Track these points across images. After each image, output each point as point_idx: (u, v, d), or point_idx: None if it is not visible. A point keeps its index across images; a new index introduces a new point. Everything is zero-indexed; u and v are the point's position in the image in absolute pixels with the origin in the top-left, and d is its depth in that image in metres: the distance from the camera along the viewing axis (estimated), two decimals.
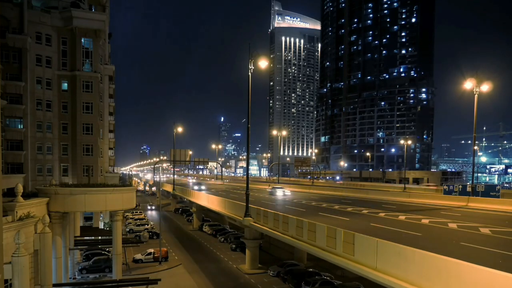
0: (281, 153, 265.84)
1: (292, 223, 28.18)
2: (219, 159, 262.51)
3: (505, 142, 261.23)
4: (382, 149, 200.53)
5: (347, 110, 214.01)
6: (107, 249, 43.01)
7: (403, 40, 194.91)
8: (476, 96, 43.44)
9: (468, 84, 43.23)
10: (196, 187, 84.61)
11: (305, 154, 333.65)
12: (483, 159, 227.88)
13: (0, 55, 44.78)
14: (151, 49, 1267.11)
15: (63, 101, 49.90)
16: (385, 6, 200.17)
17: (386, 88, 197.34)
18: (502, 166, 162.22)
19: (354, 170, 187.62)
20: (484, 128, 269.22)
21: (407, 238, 22.97)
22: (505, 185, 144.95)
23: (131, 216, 78.44)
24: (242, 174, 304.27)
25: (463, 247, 20.92)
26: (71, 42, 49.70)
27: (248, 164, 40.80)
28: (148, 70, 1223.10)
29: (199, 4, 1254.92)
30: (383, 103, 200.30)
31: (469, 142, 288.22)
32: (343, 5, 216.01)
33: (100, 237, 44.34)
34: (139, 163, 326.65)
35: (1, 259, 12.52)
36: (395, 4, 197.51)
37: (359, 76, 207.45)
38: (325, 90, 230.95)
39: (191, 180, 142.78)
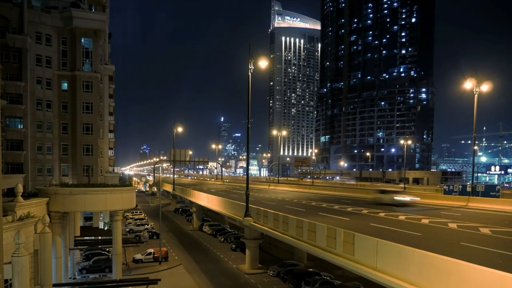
0: (281, 153, 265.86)
1: (292, 223, 28.17)
2: (219, 159, 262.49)
3: (505, 142, 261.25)
4: (382, 149, 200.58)
5: (347, 110, 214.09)
6: (107, 249, 43.03)
7: (403, 40, 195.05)
8: (476, 96, 43.42)
9: (468, 84, 43.19)
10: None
11: (305, 154, 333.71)
12: (483, 159, 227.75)
13: (0, 55, 44.78)
14: (151, 49, 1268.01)
15: (63, 101, 49.91)
16: (385, 6, 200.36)
17: (386, 88, 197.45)
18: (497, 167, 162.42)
19: (354, 170, 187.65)
20: (484, 128, 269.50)
21: (407, 238, 22.96)
22: (505, 185, 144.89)
23: (131, 216, 78.46)
24: (242, 174, 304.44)
25: (463, 247, 20.92)
26: (71, 42, 49.70)
27: (248, 164, 40.81)
28: (148, 70, 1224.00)
29: (199, 4, 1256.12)
30: (383, 103, 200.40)
31: (469, 142, 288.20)
32: (343, 5, 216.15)
33: (100, 237, 44.35)
34: (139, 163, 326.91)
35: (1, 259, 12.52)
36: (395, 4, 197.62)
37: (359, 76, 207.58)
38: (325, 90, 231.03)
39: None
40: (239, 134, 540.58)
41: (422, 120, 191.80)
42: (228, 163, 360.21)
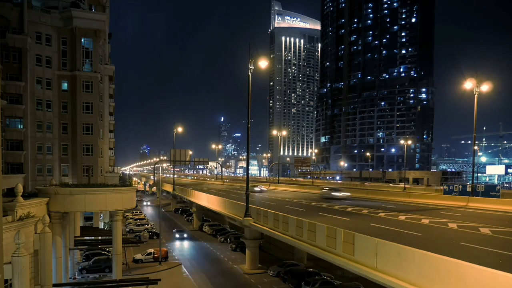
0: (281, 153, 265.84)
1: (292, 223, 28.17)
2: (219, 159, 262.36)
3: (505, 142, 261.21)
4: (382, 149, 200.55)
5: (347, 110, 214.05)
6: (107, 249, 43.02)
7: (403, 40, 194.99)
8: (476, 96, 43.43)
9: (468, 84, 43.20)
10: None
11: (305, 154, 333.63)
12: (483, 159, 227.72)
13: (0, 55, 44.77)
14: (151, 49, 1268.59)
15: (63, 101, 49.90)
16: (385, 6, 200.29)
17: (386, 88, 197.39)
18: (502, 167, 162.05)
19: (354, 170, 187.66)
20: (484, 128, 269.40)
21: (407, 238, 22.96)
22: (505, 185, 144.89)
23: (131, 216, 78.46)
24: (242, 174, 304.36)
25: (463, 247, 20.92)
26: (71, 42, 49.70)
27: (248, 164, 40.80)
28: (148, 70, 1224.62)
29: (199, 4, 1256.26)
30: (383, 103, 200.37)
31: (469, 142, 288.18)
32: (343, 5, 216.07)
33: (100, 237, 44.33)
34: (139, 163, 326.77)
35: (1, 259, 12.52)
36: (395, 4, 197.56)
37: (359, 76, 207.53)
38: (325, 90, 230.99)
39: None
40: (239, 134, 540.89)
41: (422, 120, 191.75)
42: (228, 163, 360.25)
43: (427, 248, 17.01)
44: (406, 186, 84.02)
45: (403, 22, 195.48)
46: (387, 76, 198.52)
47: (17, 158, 46.01)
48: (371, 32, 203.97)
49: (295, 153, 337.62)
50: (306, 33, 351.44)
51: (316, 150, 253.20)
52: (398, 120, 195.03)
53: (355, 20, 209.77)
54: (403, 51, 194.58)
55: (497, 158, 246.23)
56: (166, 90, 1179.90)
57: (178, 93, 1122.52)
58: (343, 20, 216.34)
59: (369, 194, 60.44)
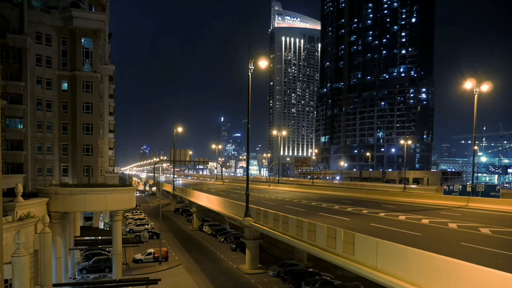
0: (281, 153, 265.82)
1: (292, 223, 28.18)
2: (219, 159, 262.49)
3: (505, 142, 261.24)
4: (382, 149, 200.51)
5: (347, 110, 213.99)
6: (107, 249, 43.03)
7: (403, 40, 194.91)
8: (476, 96, 43.43)
9: (468, 84, 43.20)
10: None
11: (305, 154, 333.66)
12: (483, 159, 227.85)
13: (0, 55, 44.77)
14: (151, 49, 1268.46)
15: (63, 101, 49.88)
16: (385, 6, 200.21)
17: (386, 88, 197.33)
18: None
19: (354, 170, 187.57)
20: (484, 128, 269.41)
21: (407, 238, 22.96)
22: (505, 185, 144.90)
23: (131, 216, 78.44)
24: (242, 174, 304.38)
25: (463, 247, 20.92)
26: (71, 42, 49.68)
27: (248, 164, 40.81)
28: (148, 70, 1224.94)
29: (199, 4, 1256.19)
30: (383, 103, 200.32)
31: (469, 142, 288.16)
32: (343, 5, 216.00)
33: (100, 237, 44.35)
34: (139, 163, 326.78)
35: (1, 259, 12.53)
36: (395, 4, 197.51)
37: (359, 76, 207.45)
38: (325, 90, 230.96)
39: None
40: (239, 134, 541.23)
41: (422, 120, 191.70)
42: (228, 163, 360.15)
43: (427, 248, 17.02)
44: (406, 186, 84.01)
45: (403, 22, 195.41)
46: (387, 76, 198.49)
47: (17, 158, 46.00)
48: (371, 32, 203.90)
49: (295, 153, 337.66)
50: (306, 33, 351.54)
51: (316, 150, 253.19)
52: (398, 120, 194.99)
53: (355, 20, 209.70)
54: (403, 51, 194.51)
55: (497, 158, 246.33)
56: (166, 90, 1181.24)
57: (178, 92, 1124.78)
58: (343, 20, 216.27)
59: (369, 194, 60.41)
